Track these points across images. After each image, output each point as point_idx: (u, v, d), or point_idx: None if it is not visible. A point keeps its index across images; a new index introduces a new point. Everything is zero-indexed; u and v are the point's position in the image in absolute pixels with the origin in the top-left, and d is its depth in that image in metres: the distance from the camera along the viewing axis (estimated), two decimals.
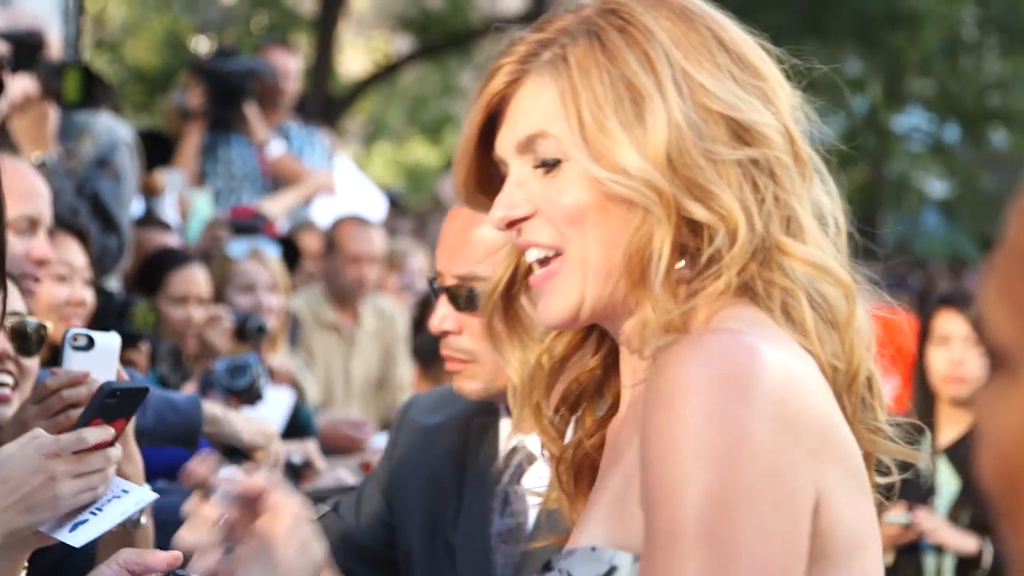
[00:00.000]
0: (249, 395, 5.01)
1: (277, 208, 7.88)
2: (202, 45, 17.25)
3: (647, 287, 1.94)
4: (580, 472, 2.14)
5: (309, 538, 2.00)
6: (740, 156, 1.95)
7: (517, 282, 2.14)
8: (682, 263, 1.96)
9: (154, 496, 2.71)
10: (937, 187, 22.60)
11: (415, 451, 3.27)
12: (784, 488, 1.77)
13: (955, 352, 5.20)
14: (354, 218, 7.59)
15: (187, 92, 8.03)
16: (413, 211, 15.22)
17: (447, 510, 3.13)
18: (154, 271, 5.97)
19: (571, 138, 1.97)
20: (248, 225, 6.95)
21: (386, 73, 18.64)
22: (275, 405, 5.46)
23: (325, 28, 17.23)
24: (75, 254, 4.33)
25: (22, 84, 5.03)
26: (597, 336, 2.13)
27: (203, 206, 7.67)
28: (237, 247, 6.71)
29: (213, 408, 3.63)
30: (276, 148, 8.14)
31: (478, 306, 3.11)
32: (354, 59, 21.56)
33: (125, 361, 5.00)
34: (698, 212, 1.93)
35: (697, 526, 1.75)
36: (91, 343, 3.00)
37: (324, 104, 15.67)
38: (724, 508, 1.75)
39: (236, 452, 3.63)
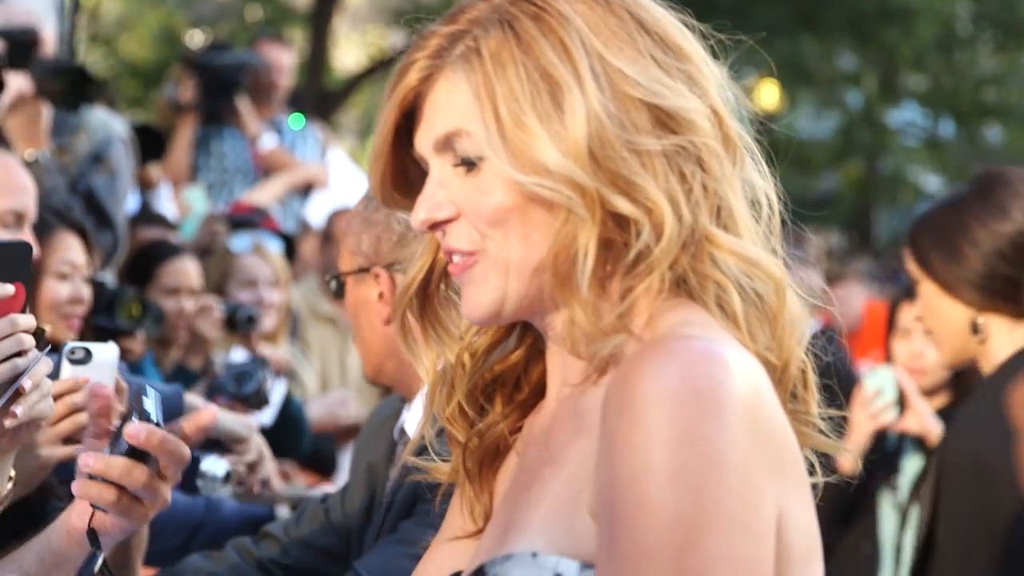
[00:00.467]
0: (256, 400, 5.01)
1: (266, 196, 7.86)
2: (196, 39, 17.24)
3: (573, 287, 1.88)
4: (485, 458, 2.08)
5: None
6: (665, 145, 1.87)
7: (435, 277, 2.08)
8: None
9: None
10: (932, 182, 22.60)
11: (364, 442, 3.34)
12: (754, 509, 1.70)
13: (915, 344, 5.25)
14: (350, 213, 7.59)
15: (179, 86, 8.03)
16: None
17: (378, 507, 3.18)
18: (146, 263, 5.98)
19: (488, 137, 1.90)
20: (246, 220, 6.95)
21: (381, 67, 18.61)
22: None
23: (319, 22, 17.22)
24: (76, 251, 4.32)
25: (16, 82, 5.02)
26: (520, 327, 2.06)
27: (198, 202, 7.67)
28: (239, 242, 6.72)
29: (195, 400, 3.63)
30: (268, 141, 8.14)
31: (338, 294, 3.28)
32: (348, 53, 21.54)
33: (121, 350, 5.01)
34: (623, 206, 1.86)
35: (666, 551, 1.66)
36: (88, 356, 2.99)
37: (318, 98, 15.65)
38: (695, 532, 1.66)
39: (217, 443, 3.64)
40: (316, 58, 16.92)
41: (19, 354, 2.48)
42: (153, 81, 16.87)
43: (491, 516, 2.05)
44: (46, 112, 5.25)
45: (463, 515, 2.09)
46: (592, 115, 1.86)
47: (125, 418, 2.61)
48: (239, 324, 5.99)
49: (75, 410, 2.92)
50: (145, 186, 7.07)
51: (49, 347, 3.02)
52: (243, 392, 4.99)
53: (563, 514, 1.84)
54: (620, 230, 1.87)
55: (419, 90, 1.96)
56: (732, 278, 1.89)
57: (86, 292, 4.33)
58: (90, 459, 2.26)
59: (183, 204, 7.62)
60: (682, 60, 1.93)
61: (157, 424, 2.25)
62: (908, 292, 5.31)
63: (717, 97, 1.93)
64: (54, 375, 2.95)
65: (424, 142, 1.96)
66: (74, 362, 2.99)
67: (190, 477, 3.54)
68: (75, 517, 2.36)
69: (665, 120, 1.89)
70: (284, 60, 8.66)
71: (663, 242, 1.85)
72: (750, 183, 1.96)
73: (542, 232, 1.90)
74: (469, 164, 1.92)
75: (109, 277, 5.86)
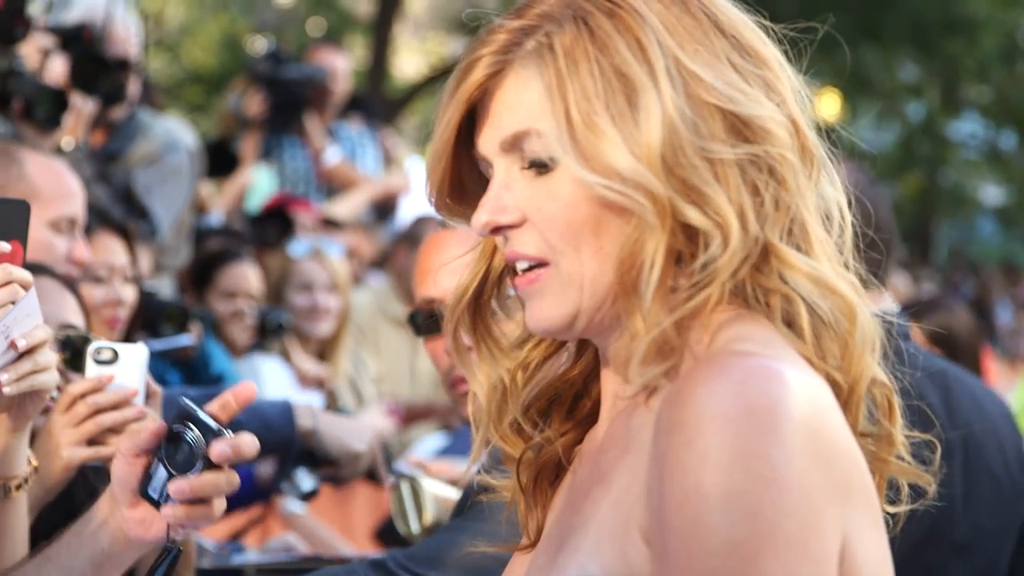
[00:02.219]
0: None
1: (345, 210, 7.91)
2: (259, 46, 17.35)
3: (638, 297, 1.79)
4: (541, 474, 2.00)
5: None
6: (738, 154, 1.79)
7: (487, 290, 1.98)
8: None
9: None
10: (992, 194, 22.44)
11: None
12: (813, 533, 1.62)
13: None
14: (436, 220, 7.60)
15: (245, 99, 8.08)
16: None
17: None
18: (205, 267, 6.05)
19: (559, 137, 1.80)
20: (276, 211, 6.97)
21: (441, 75, 18.65)
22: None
23: (381, 30, 17.29)
24: (114, 253, 4.32)
25: (55, 71, 5.02)
26: (577, 343, 1.98)
27: (264, 181, 7.73)
28: (299, 247, 6.76)
29: (306, 418, 3.56)
30: (333, 155, 8.19)
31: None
32: (409, 61, 21.61)
33: (180, 358, 5.05)
34: (693, 217, 1.77)
35: None
36: (115, 356, 2.90)
37: (379, 105, 15.71)
38: (751, 556, 1.61)
39: (316, 458, 3.59)
40: (377, 66, 16.99)
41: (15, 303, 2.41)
42: (215, 88, 16.99)
43: (542, 532, 1.99)
44: (86, 105, 5.27)
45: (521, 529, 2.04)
46: (667, 119, 1.77)
47: (175, 425, 2.52)
48: (269, 329, 6.00)
49: (98, 410, 2.85)
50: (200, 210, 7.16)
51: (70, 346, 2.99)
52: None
53: (615, 538, 1.76)
54: (688, 241, 1.80)
55: (485, 87, 1.87)
56: (801, 292, 1.80)
57: (126, 293, 4.34)
58: (184, 486, 2.24)
59: (250, 182, 7.70)
60: (759, 65, 1.84)
61: (220, 431, 2.24)
62: (971, 306, 5.26)
63: (795, 105, 1.85)
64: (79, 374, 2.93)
65: (490, 142, 1.87)
66: (100, 362, 2.90)
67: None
68: (135, 526, 2.33)
69: (740, 128, 1.80)
70: (340, 66, 8.71)
71: (726, 255, 1.77)
72: (824, 196, 1.88)
73: (615, 243, 1.81)
74: (540, 166, 1.83)
75: (166, 285, 5.92)
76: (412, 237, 7.47)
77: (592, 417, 1.99)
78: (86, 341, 3.08)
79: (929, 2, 18.13)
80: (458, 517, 2.99)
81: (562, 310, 1.85)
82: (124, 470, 2.30)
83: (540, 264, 1.85)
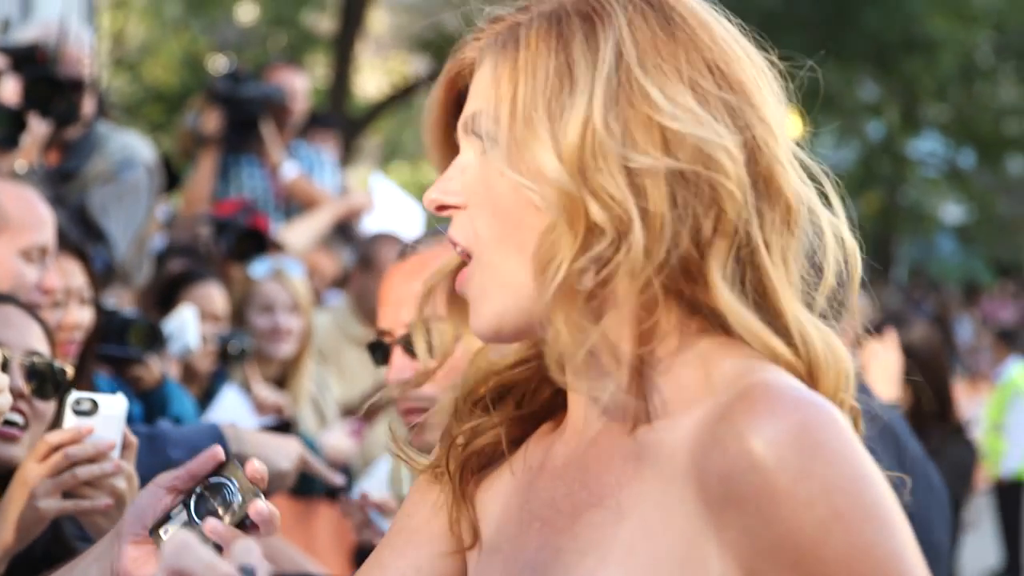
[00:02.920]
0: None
1: (307, 233, 7.85)
2: (220, 64, 17.31)
3: (544, 296, 1.76)
4: (468, 461, 1.96)
5: None
6: (659, 166, 1.75)
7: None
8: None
9: None
10: (952, 212, 22.57)
11: None
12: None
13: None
14: (392, 236, 7.57)
15: (202, 117, 8.06)
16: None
17: None
18: (170, 288, 6.02)
19: (496, 127, 1.80)
20: (229, 221, 6.93)
21: (403, 94, 18.68)
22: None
23: (342, 48, 17.28)
24: (71, 275, 4.27)
25: (9, 90, 4.98)
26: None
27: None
28: (259, 267, 6.72)
29: (231, 440, 3.53)
30: (290, 170, 8.17)
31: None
32: (371, 80, 21.61)
33: (132, 378, 5.00)
34: (595, 212, 1.74)
35: None
36: (95, 407, 2.83)
37: (340, 127, 15.71)
38: (901, 559, 1.70)
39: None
40: (339, 85, 16.98)
41: None
42: (176, 107, 16.95)
43: (479, 536, 1.93)
44: (38, 125, 5.23)
45: (438, 519, 1.97)
46: (589, 122, 1.76)
47: (215, 478, 2.37)
48: (231, 355, 5.96)
49: (75, 463, 2.78)
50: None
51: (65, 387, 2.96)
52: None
53: (654, 572, 1.74)
54: (613, 250, 1.76)
55: (471, 71, 1.88)
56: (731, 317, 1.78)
57: (82, 316, 4.30)
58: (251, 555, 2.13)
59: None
60: (731, 90, 1.80)
61: (258, 493, 2.14)
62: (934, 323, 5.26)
63: (766, 135, 1.80)
64: (57, 425, 2.87)
65: (461, 122, 1.87)
66: (79, 413, 2.83)
67: None
68: (128, 563, 2.17)
69: (674, 146, 1.76)
70: (299, 86, 8.70)
71: (624, 250, 1.74)
72: (810, 245, 1.83)
73: (535, 242, 1.78)
74: (483, 141, 1.82)
75: (114, 302, 5.88)
76: (367, 258, 7.44)
77: (532, 420, 1.96)
78: (51, 368, 3.05)
79: (889, 22, 18.25)
80: None
81: (487, 311, 1.82)
82: (150, 502, 2.18)
83: (469, 257, 1.84)
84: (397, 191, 9.10)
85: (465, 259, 1.85)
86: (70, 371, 3.13)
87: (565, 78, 1.78)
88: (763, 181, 1.79)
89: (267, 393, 6.09)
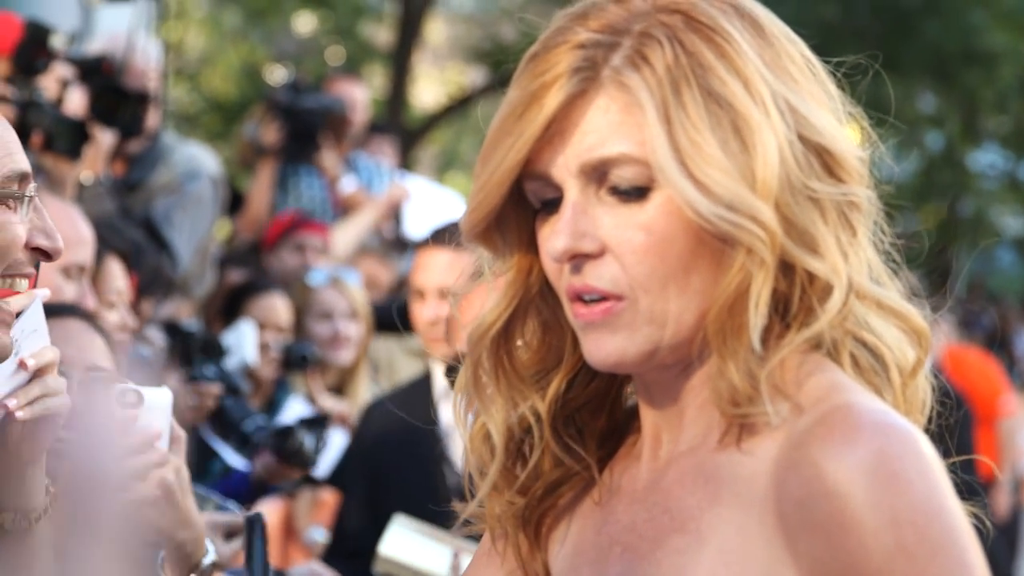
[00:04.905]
0: (298, 460, 4.66)
1: (342, 240, 7.86)
2: (278, 75, 17.39)
3: (741, 340, 1.71)
4: (541, 509, 1.89)
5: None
6: (839, 195, 1.72)
7: (515, 324, 1.85)
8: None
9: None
10: (1012, 225, 22.38)
11: None
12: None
13: None
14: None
15: (262, 128, 8.11)
16: None
17: None
18: (234, 299, 6.06)
19: (662, 162, 1.67)
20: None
21: (459, 105, 18.70)
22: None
23: (400, 60, 17.33)
24: (120, 278, 4.30)
25: (74, 102, 5.03)
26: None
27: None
28: (318, 275, 6.75)
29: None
30: (348, 184, 8.19)
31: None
32: (428, 91, 21.66)
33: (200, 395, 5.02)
34: (808, 261, 1.70)
35: None
36: (140, 400, 2.80)
37: (397, 136, 15.75)
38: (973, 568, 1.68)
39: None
40: (396, 95, 17.02)
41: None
42: (235, 117, 17.04)
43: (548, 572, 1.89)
44: (105, 137, 5.28)
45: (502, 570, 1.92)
46: (783, 154, 1.68)
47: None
48: (293, 363, 5.98)
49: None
50: None
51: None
52: (284, 450, 4.79)
53: None
54: (787, 283, 1.73)
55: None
56: (874, 333, 1.78)
57: (131, 319, 4.33)
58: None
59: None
60: (831, 100, 1.78)
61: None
62: (991, 340, 5.22)
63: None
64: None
65: (563, 163, 1.72)
66: (126, 405, 2.80)
67: None
68: None
69: (834, 167, 1.73)
70: (358, 97, 8.73)
71: (832, 301, 1.71)
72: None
73: (703, 279, 1.72)
74: (627, 194, 1.72)
75: (192, 321, 5.92)
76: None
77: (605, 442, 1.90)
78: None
79: (949, 34, 18.12)
80: None
81: (637, 347, 1.75)
82: None
83: (614, 297, 1.74)
84: (435, 188, 9.08)
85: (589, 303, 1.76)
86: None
87: (722, 108, 1.68)
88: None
89: (332, 403, 6.11)
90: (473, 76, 21.03)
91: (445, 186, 11.32)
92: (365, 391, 6.52)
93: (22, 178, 2.26)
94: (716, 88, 1.69)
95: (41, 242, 2.30)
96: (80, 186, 4.94)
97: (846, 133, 1.75)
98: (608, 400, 1.91)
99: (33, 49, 4.67)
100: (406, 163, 12.91)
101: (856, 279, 1.75)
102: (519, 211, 1.81)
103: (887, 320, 1.79)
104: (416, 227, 8.26)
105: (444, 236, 3.17)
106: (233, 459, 5.11)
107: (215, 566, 2.87)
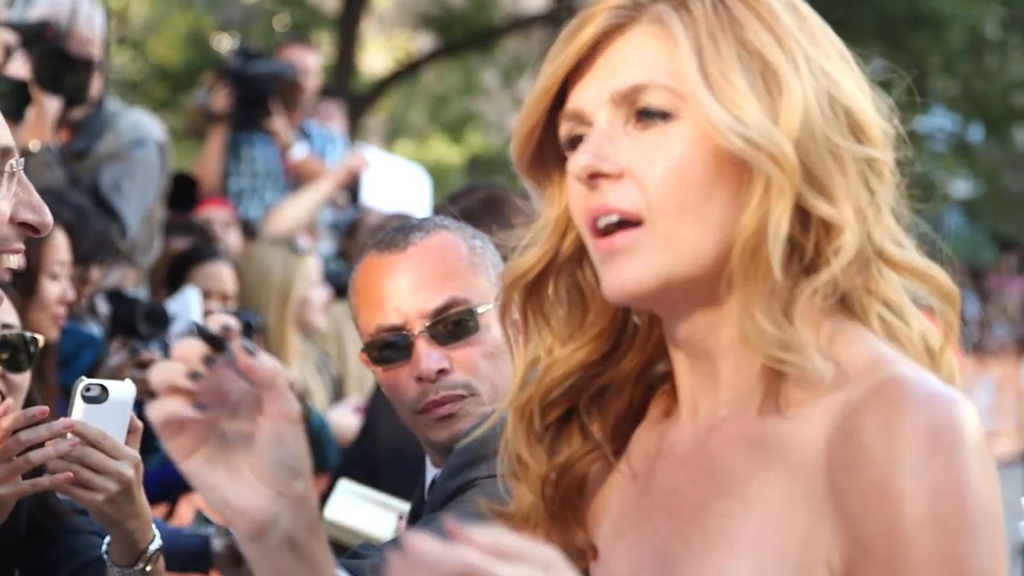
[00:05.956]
0: None
1: (298, 212, 7.81)
2: (224, 43, 17.26)
3: (765, 279, 1.74)
4: (569, 492, 1.90)
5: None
6: (860, 154, 1.80)
7: (551, 272, 1.88)
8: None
9: None
10: (960, 188, 22.52)
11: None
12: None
13: None
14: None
15: (212, 94, 8.05)
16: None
17: None
18: (179, 267, 6.01)
19: (693, 84, 1.74)
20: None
21: (408, 71, 18.62)
22: None
23: (347, 26, 17.23)
24: (64, 250, 4.27)
25: (17, 69, 4.96)
26: (629, 337, 1.89)
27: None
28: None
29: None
30: (299, 150, 8.16)
31: (467, 332, 2.92)
32: (376, 57, 21.56)
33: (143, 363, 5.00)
34: (820, 206, 1.75)
35: None
36: (104, 393, 2.82)
37: (346, 102, 15.68)
38: (996, 558, 1.69)
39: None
40: (343, 62, 16.93)
41: None
42: (182, 85, 16.91)
43: (595, 546, 1.88)
44: (51, 104, 5.22)
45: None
46: (808, 104, 1.76)
47: None
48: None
49: (28, 446, 2.74)
50: None
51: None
52: None
53: (784, 565, 1.72)
54: (801, 231, 1.77)
55: (596, 41, 1.81)
56: (903, 297, 1.84)
57: (71, 291, 4.30)
58: None
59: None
60: (860, 78, 1.88)
61: None
62: None
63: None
64: (67, 412, 2.85)
65: (595, 92, 1.79)
66: (89, 400, 2.81)
67: None
68: None
69: (858, 131, 1.81)
70: (310, 63, 8.69)
71: (843, 254, 1.76)
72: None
73: (721, 209, 1.76)
74: (652, 117, 1.77)
75: (139, 290, 5.87)
76: (352, 229, 7.42)
77: (630, 420, 1.91)
78: (23, 339, 3.01)
79: None
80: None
81: (653, 273, 1.76)
82: None
83: (631, 223, 1.77)
84: (393, 161, 9.05)
85: (618, 224, 1.78)
86: (41, 341, 3.11)
87: (756, 59, 1.76)
88: None
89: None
90: (421, 43, 20.95)
91: (394, 154, 11.28)
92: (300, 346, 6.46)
93: (4, 152, 2.25)
94: (749, 40, 1.76)
95: (27, 216, 2.28)
96: (28, 154, 4.88)
97: (872, 108, 1.83)
98: (634, 380, 1.92)
99: None
100: (354, 130, 12.85)
101: (877, 240, 1.80)
102: (562, 168, 1.85)
103: (914, 282, 1.84)
104: (373, 197, 8.24)
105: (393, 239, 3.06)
106: None
107: (160, 551, 2.86)
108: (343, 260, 8.18)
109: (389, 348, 3.01)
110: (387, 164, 8.79)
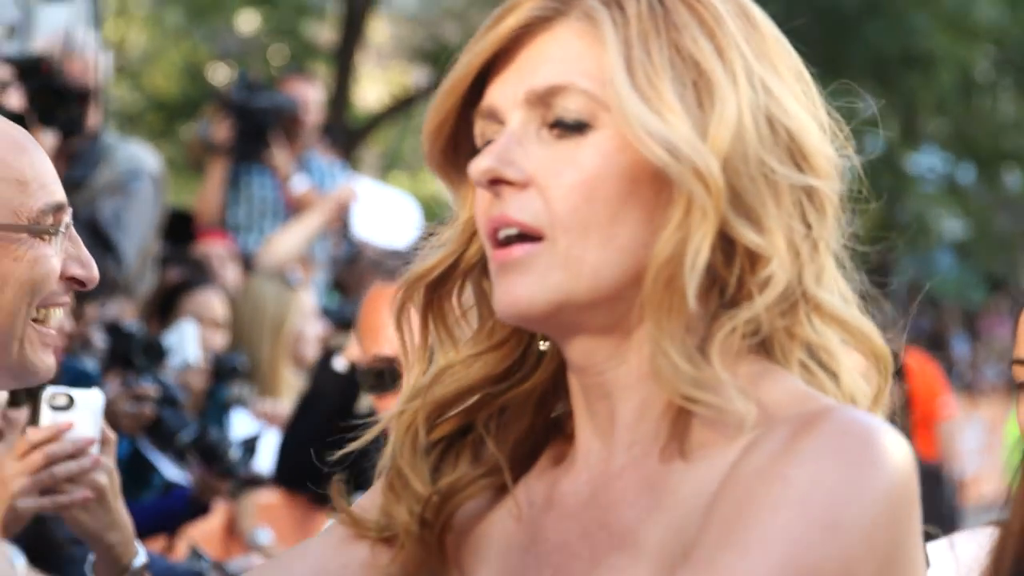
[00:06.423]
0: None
1: (287, 242, 7.82)
2: (220, 74, 17.30)
3: (680, 314, 1.56)
4: (448, 521, 1.70)
5: None
6: (799, 182, 1.61)
7: (453, 278, 1.71)
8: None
9: None
10: (952, 228, 22.58)
11: None
12: None
13: None
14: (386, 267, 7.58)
15: (212, 125, 8.08)
16: None
17: None
18: (171, 297, 6.03)
19: (619, 88, 1.57)
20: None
21: (403, 105, 18.67)
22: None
23: (343, 59, 17.28)
24: None
25: (12, 103, 4.98)
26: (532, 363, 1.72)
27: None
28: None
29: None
30: (300, 184, 8.18)
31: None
32: (371, 91, 21.61)
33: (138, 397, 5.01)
34: (747, 234, 1.58)
35: None
36: (71, 402, 2.80)
37: (341, 135, 15.72)
38: None
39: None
40: (340, 95, 16.98)
41: None
42: (177, 115, 16.94)
43: None
44: (47, 137, 5.24)
45: None
46: (741, 120, 1.58)
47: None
48: (224, 374, 5.94)
49: (53, 460, 2.78)
50: None
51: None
52: (211, 460, 4.74)
53: None
54: (724, 261, 1.60)
55: (519, 35, 1.64)
56: (831, 346, 1.63)
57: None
58: None
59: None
60: (814, 106, 1.69)
61: None
62: (929, 343, 5.23)
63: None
64: (34, 420, 2.85)
65: (511, 91, 1.63)
66: (56, 408, 2.81)
67: None
68: None
69: (799, 157, 1.63)
70: (311, 97, 8.72)
71: (769, 290, 1.58)
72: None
73: (632, 231, 1.59)
74: (568, 128, 1.60)
75: (132, 324, 5.89)
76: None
77: (526, 446, 1.73)
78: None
79: (888, 37, 18.27)
80: None
81: (546, 293, 1.60)
82: None
83: (531, 238, 1.61)
84: (386, 191, 9.07)
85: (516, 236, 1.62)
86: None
87: (690, 66, 1.60)
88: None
89: (268, 406, 6.09)
90: (416, 76, 21.00)
91: (389, 186, 11.30)
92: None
93: (57, 209, 2.28)
94: (685, 45, 1.61)
95: (76, 271, 2.31)
96: None
97: (817, 131, 1.66)
98: (536, 404, 1.75)
99: None
100: (349, 163, 12.89)
101: (809, 284, 1.62)
102: (474, 154, 1.68)
103: (843, 337, 1.65)
104: (364, 229, 8.27)
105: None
106: (170, 471, 5.10)
107: (145, 568, 2.87)
108: (340, 293, 8.20)
109: (382, 376, 3.03)
110: (379, 196, 8.82)
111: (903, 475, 1.50)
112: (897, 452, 1.51)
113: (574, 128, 1.60)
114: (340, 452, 1.74)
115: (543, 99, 1.61)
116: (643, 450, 1.63)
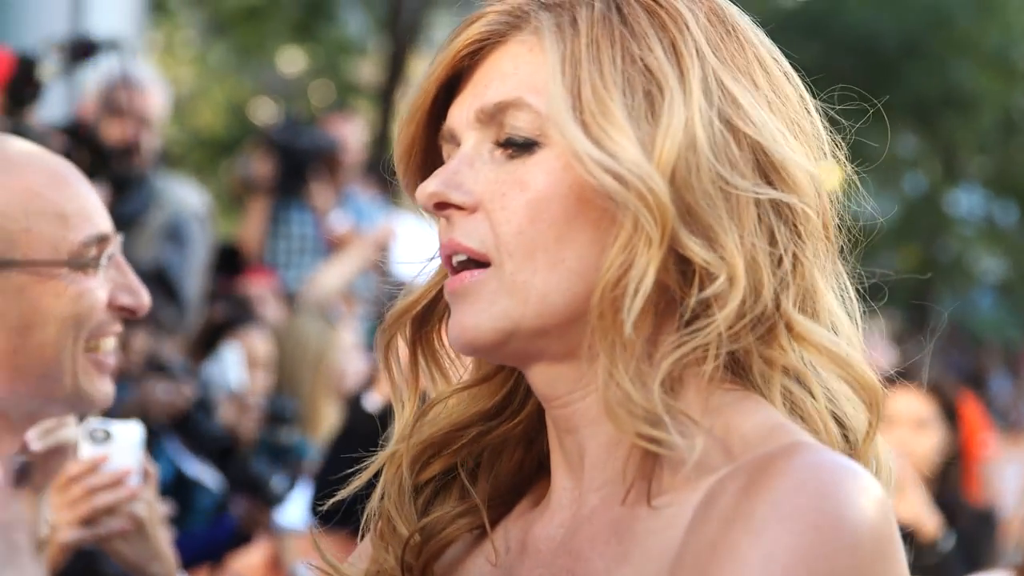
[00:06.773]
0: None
1: (327, 282, 7.88)
2: (264, 111, 17.43)
3: (615, 331, 1.48)
4: (430, 563, 1.64)
5: None
6: (761, 196, 1.51)
7: (439, 307, 1.66)
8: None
9: None
10: (992, 268, 22.48)
11: None
12: None
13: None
14: None
15: (254, 163, 8.15)
16: None
17: None
18: (215, 333, 6.09)
19: (554, 106, 1.50)
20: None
21: None
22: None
23: (386, 97, 17.39)
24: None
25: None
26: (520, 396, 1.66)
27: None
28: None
29: None
30: (339, 222, 8.23)
31: None
32: None
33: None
34: (695, 249, 1.48)
35: None
36: (108, 436, 2.84)
37: (384, 172, 15.77)
38: None
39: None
40: (383, 134, 17.08)
41: None
42: (221, 153, 17.07)
43: None
44: (103, 192, 5.32)
45: None
46: (691, 130, 1.50)
47: None
48: (276, 419, 5.96)
49: (93, 492, 2.79)
50: None
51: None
52: (255, 491, 4.85)
53: None
54: (681, 280, 1.51)
55: (479, 50, 1.57)
56: (814, 373, 1.54)
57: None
58: None
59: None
60: (796, 113, 1.59)
61: None
62: (970, 381, 5.23)
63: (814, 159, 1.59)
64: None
65: (465, 110, 1.57)
66: (95, 441, 2.84)
67: None
68: None
69: (768, 170, 1.53)
70: (351, 135, 8.79)
71: (727, 309, 1.48)
72: (841, 280, 1.61)
73: (579, 253, 1.51)
74: (517, 147, 1.54)
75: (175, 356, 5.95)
76: None
77: (509, 487, 1.68)
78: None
79: (929, 78, 18.27)
80: None
81: (493, 321, 1.53)
82: None
83: (479, 264, 1.55)
84: (428, 227, 9.12)
85: (466, 262, 1.57)
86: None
87: (642, 76, 1.52)
88: (822, 210, 1.59)
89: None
90: None
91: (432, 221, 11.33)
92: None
93: (101, 240, 2.26)
94: (641, 54, 1.53)
95: (125, 300, 2.31)
96: None
97: (793, 143, 1.56)
98: (525, 440, 1.69)
99: (22, 81, 4.73)
100: (391, 199, 12.97)
101: (786, 307, 1.52)
102: None
103: (827, 367, 1.54)
104: (405, 266, 8.31)
105: None
106: (193, 469, 5.15)
107: None
108: None
109: None
110: (422, 232, 8.88)
111: (870, 527, 1.40)
112: (863, 500, 1.40)
113: (523, 147, 1.54)
114: (345, 492, 1.71)
115: (493, 117, 1.55)
116: (612, 491, 1.55)
